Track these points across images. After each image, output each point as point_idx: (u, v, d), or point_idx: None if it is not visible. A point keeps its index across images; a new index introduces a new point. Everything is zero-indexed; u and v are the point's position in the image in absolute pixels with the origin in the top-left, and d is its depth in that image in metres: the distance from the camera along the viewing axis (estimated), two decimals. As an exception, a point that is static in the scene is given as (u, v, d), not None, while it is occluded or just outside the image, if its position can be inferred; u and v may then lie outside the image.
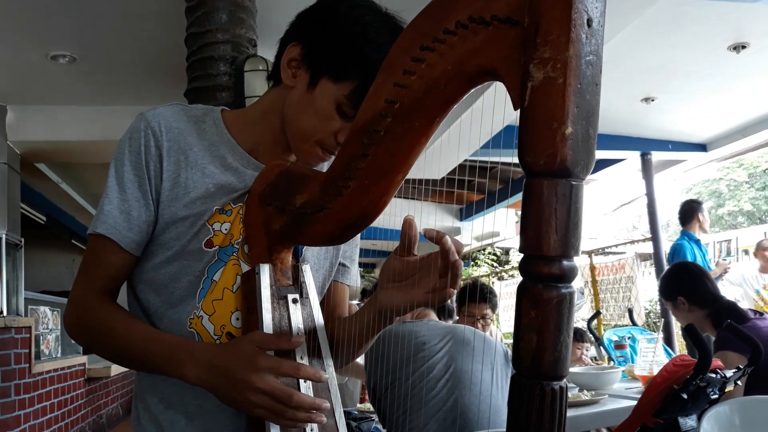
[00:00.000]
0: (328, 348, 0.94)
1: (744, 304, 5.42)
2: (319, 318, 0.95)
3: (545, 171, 0.55)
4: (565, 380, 0.58)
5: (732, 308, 2.49)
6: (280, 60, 0.97)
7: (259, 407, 0.83)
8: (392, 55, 0.72)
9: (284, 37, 0.99)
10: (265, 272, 0.91)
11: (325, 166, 1.07)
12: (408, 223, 0.88)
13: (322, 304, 1.02)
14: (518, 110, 0.57)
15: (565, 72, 0.54)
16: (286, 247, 0.95)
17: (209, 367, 0.86)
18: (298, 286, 0.96)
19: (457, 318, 2.92)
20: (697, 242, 4.81)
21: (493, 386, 1.95)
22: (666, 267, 5.48)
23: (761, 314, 2.55)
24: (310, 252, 1.05)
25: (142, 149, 0.95)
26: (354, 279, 1.17)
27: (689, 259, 4.62)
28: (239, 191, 0.98)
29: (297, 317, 0.92)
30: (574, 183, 0.56)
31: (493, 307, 3.02)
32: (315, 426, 0.88)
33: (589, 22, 0.55)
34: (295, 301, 0.93)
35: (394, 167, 0.77)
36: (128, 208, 0.95)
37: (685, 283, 2.55)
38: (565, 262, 0.56)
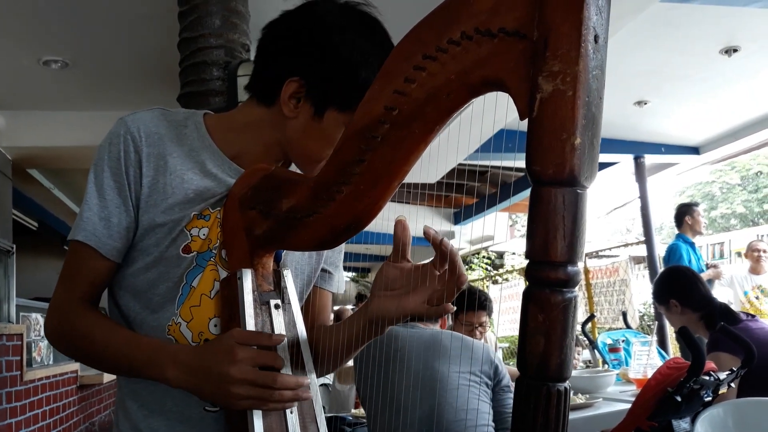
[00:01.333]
0: (309, 354, 0.93)
1: (734, 307, 5.44)
2: (300, 324, 0.95)
3: (553, 180, 0.57)
4: (568, 381, 0.60)
5: (725, 310, 2.51)
6: (265, 71, 0.96)
7: (245, 398, 0.83)
8: (391, 62, 0.72)
9: (272, 61, 0.95)
10: (247, 277, 0.90)
11: None
12: (400, 226, 0.87)
13: (304, 310, 1.01)
14: (524, 120, 0.59)
15: (575, 85, 0.57)
16: (268, 252, 0.95)
17: (191, 369, 0.86)
18: (280, 291, 0.95)
19: (451, 324, 2.90)
20: (692, 245, 4.83)
21: (471, 390, 1.94)
22: (660, 269, 5.51)
23: (753, 316, 2.58)
24: (290, 257, 1.04)
25: (121, 155, 0.94)
26: (337, 285, 1.16)
27: (684, 260, 4.65)
28: (218, 196, 0.96)
29: (279, 323, 0.91)
30: (579, 191, 0.58)
31: (490, 313, 2.99)
32: (295, 412, 0.88)
33: (596, 38, 0.58)
34: (277, 306, 0.92)
35: (391, 173, 0.77)
36: (108, 214, 0.94)
37: (678, 287, 2.58)
38: (570, 268, 0.58)
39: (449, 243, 0.84)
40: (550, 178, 0.57)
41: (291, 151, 0.98)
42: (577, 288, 0.60)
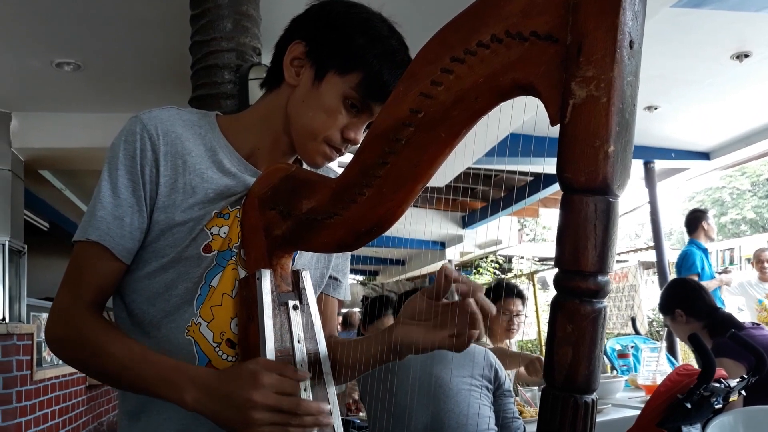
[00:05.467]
0: (327, 356, 0.93)
1: (746, 314, 5.40)
2: (318, 325, 0.94)
3: (585, 188, 0.56)
4: (596, 393, 0.59)
5: (728, 318, 2.59)
6: (277, 63, 0.97)
7: (266, 424, 0.81)
8: (416, 64, 0.71)
9: (281, 40, 0.99)
10: (266, 278, 0.89)
11: (330, 173, 1.07)
12: (445, 271, 0.86)
13: None
14: (555, 126, 0.58)
15: (609, 91, 0.55)
16: (287, 253, 0.94)
17: (211, 391, 0.83)
18: (299, 292, 0.94)
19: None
20: (705, 251, 4.81)
21: (472, 395, 1.93)
22: (670, 275, 5.48)
23: (757, 324, 2.65)
24: (302, 260, 1.03)
25: (137, 153, 0.91)
26: (344, 293, 1.14)
27: (697, 266, 4.65)
28: (238, 194, 0.96)
29: (297, 324, 0.91)
30: (611, 200, 0.57)
31: (524, 302, 3.15)
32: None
33: (632, 44, 0.57)
34: (295, 307, 0.92)
35: (415, 177, 0.75)
36: (122, 213, 0.91)
37: (683, 297, 2.67)
38: (600, 278, 0.57)
39: (469, 281, 0.84)
40: (582, 185, 0.56)
41: (292, 129, 0.97)
42: (606, 298, 0.58)
